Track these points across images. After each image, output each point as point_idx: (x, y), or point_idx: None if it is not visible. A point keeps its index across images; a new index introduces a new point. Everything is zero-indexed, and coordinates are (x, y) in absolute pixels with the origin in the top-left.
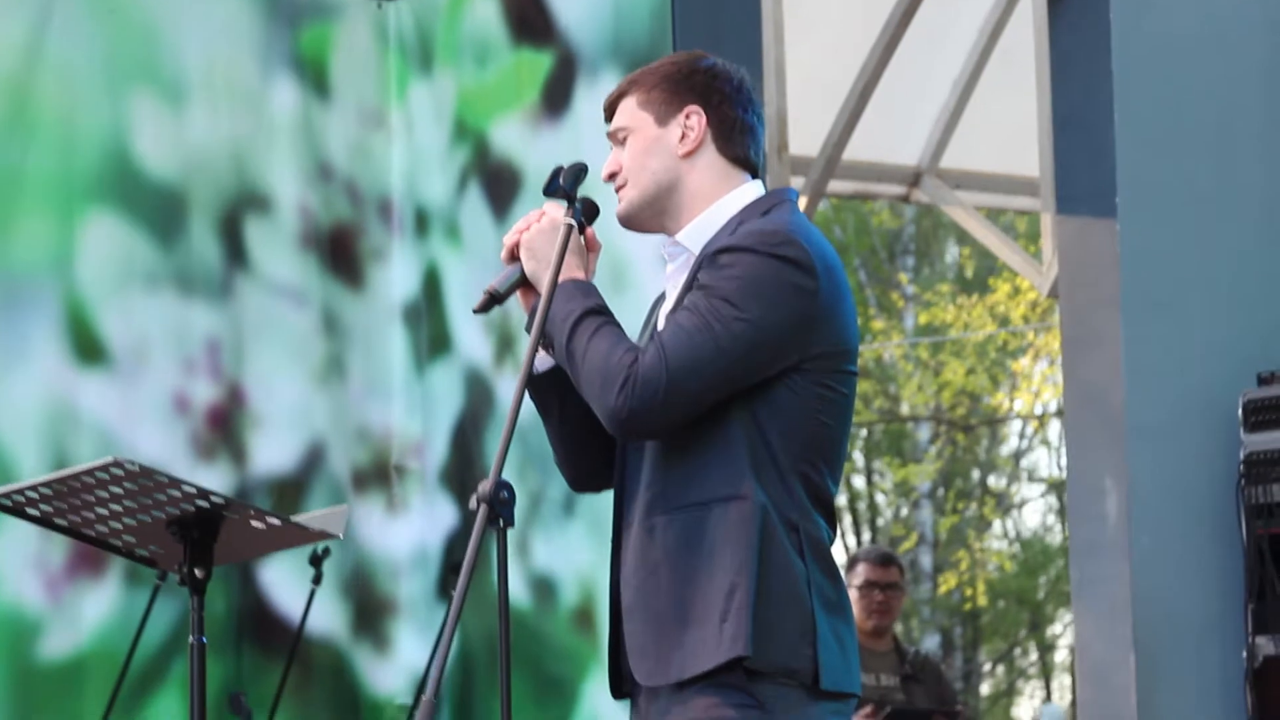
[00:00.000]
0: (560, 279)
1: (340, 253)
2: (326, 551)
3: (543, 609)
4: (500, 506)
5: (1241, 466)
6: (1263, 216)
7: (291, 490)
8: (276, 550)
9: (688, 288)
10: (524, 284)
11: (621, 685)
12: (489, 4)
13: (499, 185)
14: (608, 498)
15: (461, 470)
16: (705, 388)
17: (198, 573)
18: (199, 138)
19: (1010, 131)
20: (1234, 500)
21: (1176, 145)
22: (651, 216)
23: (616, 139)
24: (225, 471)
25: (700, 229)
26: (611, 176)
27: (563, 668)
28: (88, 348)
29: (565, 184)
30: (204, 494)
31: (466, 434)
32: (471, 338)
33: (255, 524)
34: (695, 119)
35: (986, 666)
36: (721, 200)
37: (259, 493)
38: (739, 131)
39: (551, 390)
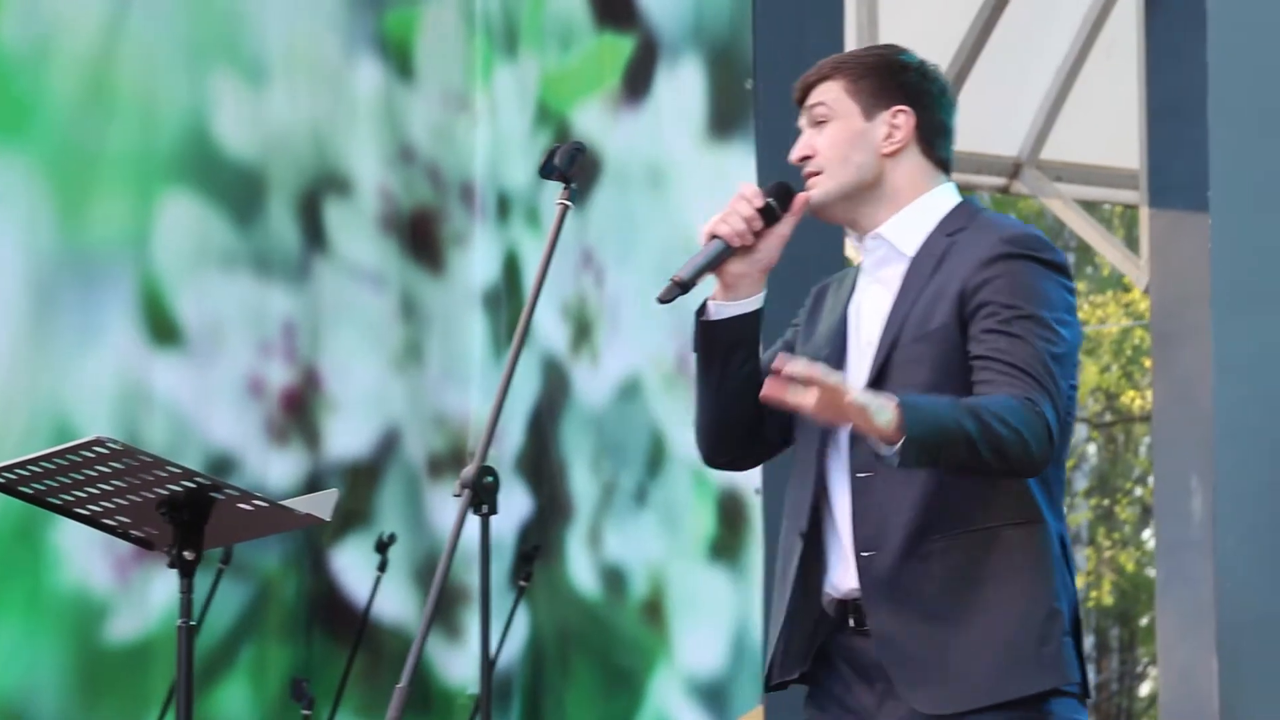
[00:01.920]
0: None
1: (420, 237)
2: (393, 538)
3: (613, 600)
4: (484, 492)
5: None
6: None
7: (365, 476)
8: (268, 534)
9: (936, 296)
10: (712, 268)
11: (773, 679)
12: None
13: (580, 170)
14: (681, 490)
15: (536, 458)
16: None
17: (187, 555)
18: (279, 118)
19: (1114, 122)
20: None
21: (1271, 139)
22: (846, 209)
23: (814, 118)
24: (299, 456)
25: (907, 226)
26: (804, 159)
27: (631, 659)
28: (163, 328)
29: (561, 164)
30: (189, 474)
31: (542, 422)
32: (549, 325)
33: (243, 506)
34: (903, 118)
35: (1141, 667)
36: (923, 198)
37: (332, 477)
38: (941, 135)
39: (720, 343)
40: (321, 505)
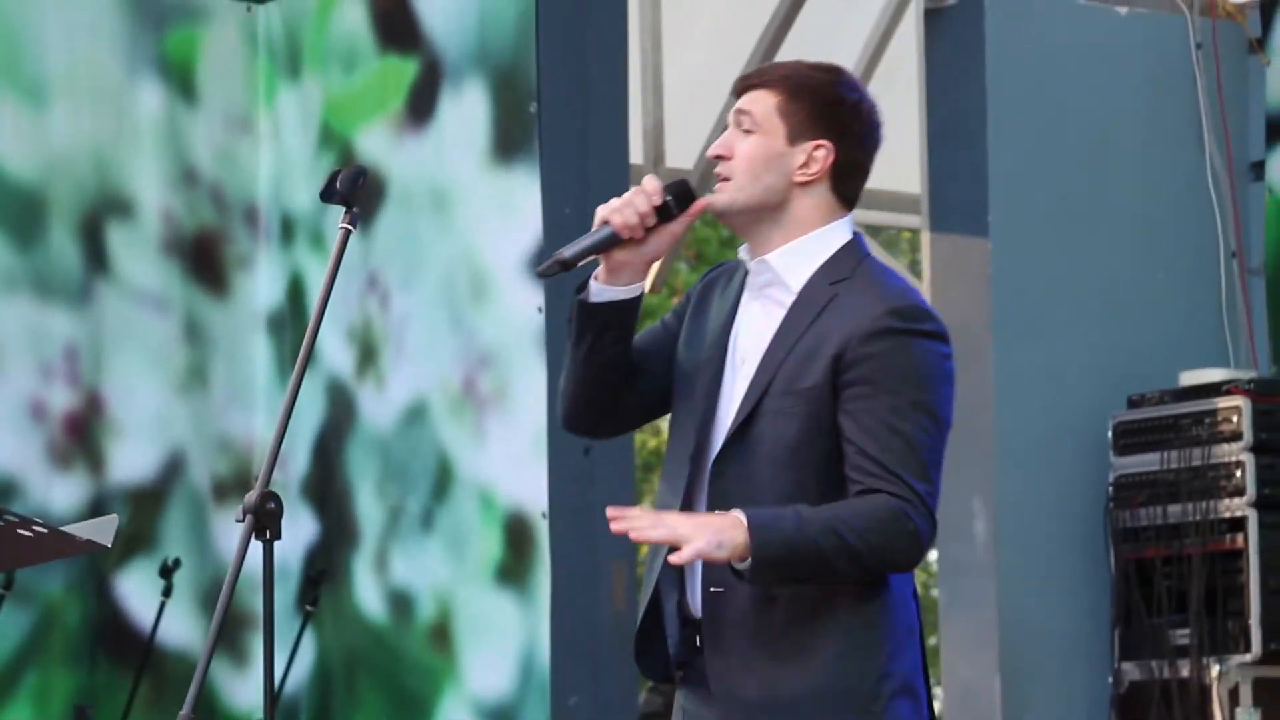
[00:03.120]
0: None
1: (204, 259)
2: (177, 563)
3: (400, 624)
4: (267, 518)
5: (1110, 490)
6: (1136, 238)
7: (150, 500)
8: (49, 560)
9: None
10: (597, 251)
11: (653, 669)
12: (357, 10)
13: (362, 194)
14: (468, 514)
15: (322, 482)
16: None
17: None
18: (60, 139)
19: (896, 147)
20: (1103, 523)
21: (1050, 163)
22: (746, 223)
23: (740, 124)
24: (82, 480)
25: (794, 260)
26: (719, 158)
27: (419, 683)
28: None
29: (343, 189)
30: None
31: (328, 445)
32: (334, 349)
33: (22, 532)
34: (823, 153)
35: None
36: (818, 232)
37: (116, 501)
38: (855, 174)
39: (593, 323)
40: (103, 531)
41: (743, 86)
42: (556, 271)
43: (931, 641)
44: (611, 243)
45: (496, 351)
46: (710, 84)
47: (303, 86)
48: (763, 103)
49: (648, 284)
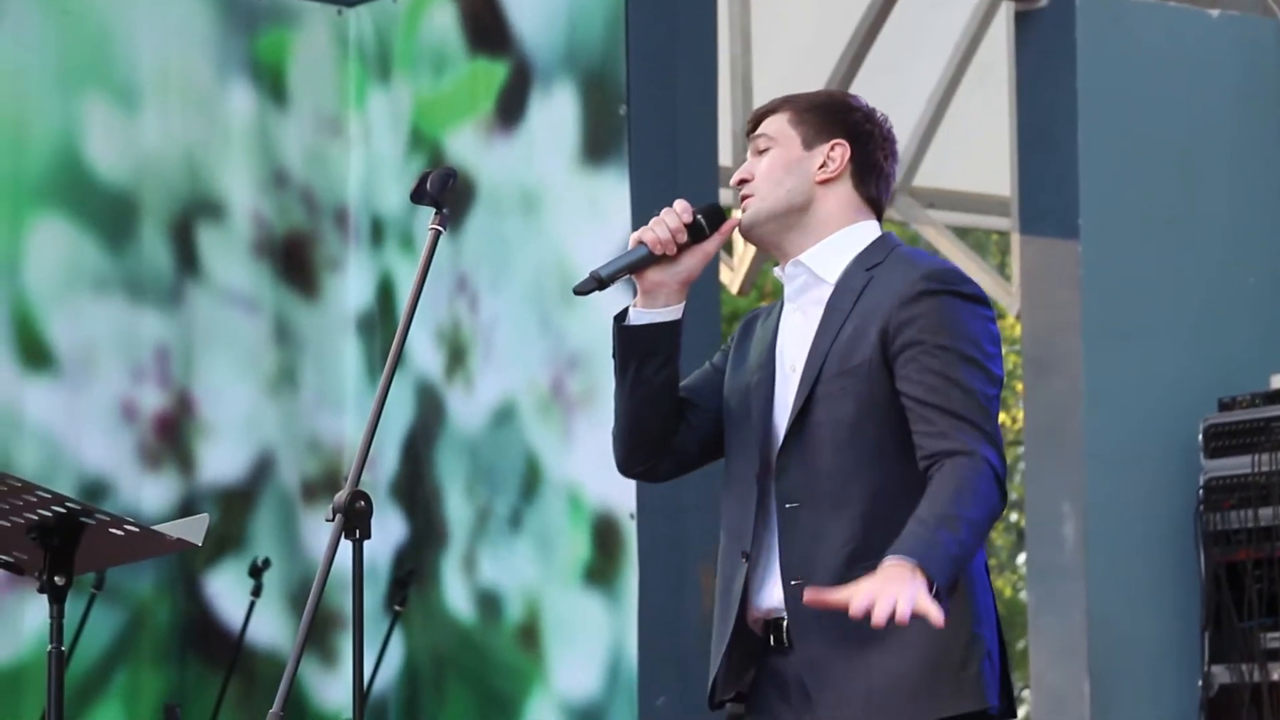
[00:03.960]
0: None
1: (294, 261)
2: (267, 563)
3: (488, 625)
4: (356, 517)
5: (1200, 493)
6: (1226, 241)
7: (239, 500)
8: (139, 559)
9: (842, 326)
10: (632, 270)
11: (716, 696)
12: (447, 13)
13: (452, 195)
14: (556, 515)
15: (411, 483)
16: None
17: (58, 580)
18: (151, 142)
19: (986, 149)
20: (1192, 526)
21: (1141, 167)
22: (774, 231)
23: (757, 148)
24: (172, 481)
25: (827, 255)
26: (742, 183)
27: (506, 684)
28: (34, 353)
29: (433, 190)
30: (59, 499)
31: (417, 446)
32: (423, 350)
33: (114, 531)
34: (840, 150)
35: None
36: (847, 230)
37: (206, 502)
38: (876, 175)
39: (634, 349)
40: (193, 530)
41: (753, 122)
42: (592, 289)
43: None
44: (645, 261)
45: (585, 353)
46: (799, 86)
47: (393, 89)
48: (774, 124)
49: (735, 285)
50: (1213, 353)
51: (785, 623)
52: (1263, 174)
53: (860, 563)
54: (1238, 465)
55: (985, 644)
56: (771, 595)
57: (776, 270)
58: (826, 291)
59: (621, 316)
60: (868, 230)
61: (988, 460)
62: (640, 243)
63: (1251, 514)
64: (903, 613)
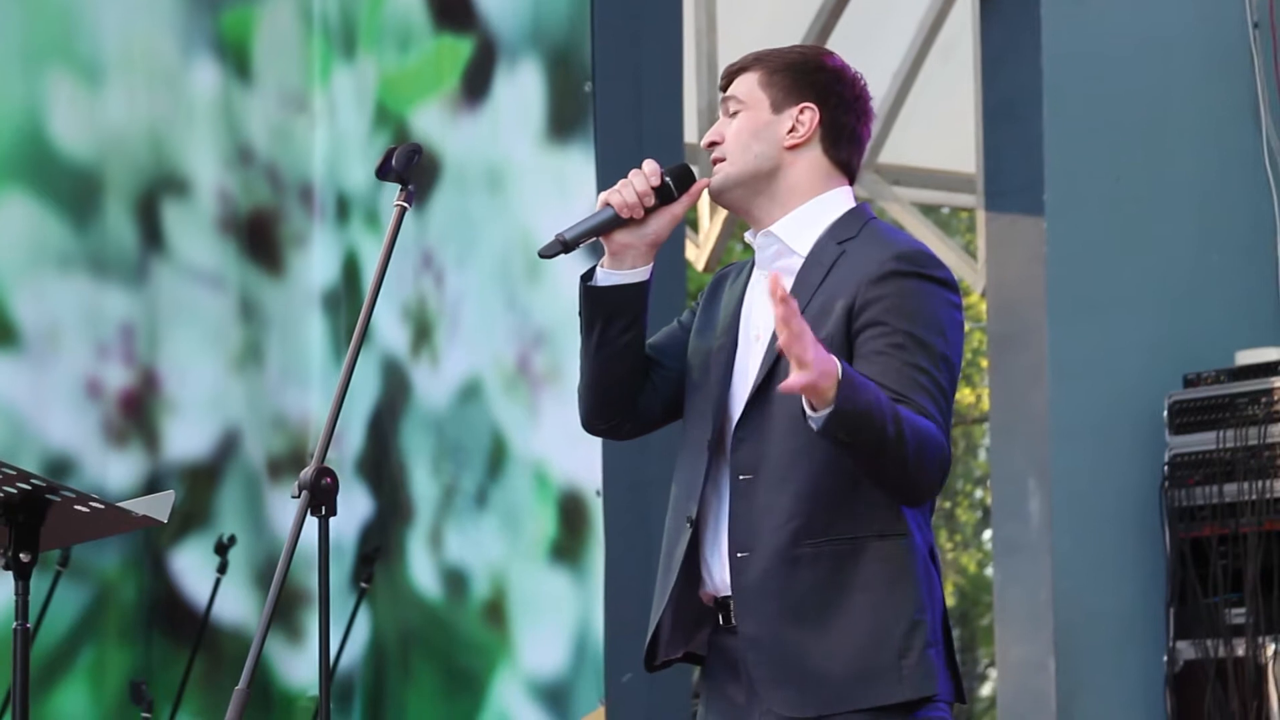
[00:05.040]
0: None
1: (259, 238)
2: (233, 540)
3: (454, 602)
4: (322, 494)
5: (1165, 469)
6: (1192, 216)
7: (205, 477)
8: (105, 535)
9: (830, 306)
10: (598, 233)
11: (656, 658)
12: None
13: (417, 172)
14: (522, 492)
15: (377, 460)
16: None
17: (23, 557)
18: (116, 119)
19: (951, 126)
20: (1158, 502)
21: (1107, 142)
22: (743, 196)
23: (727, 109)
24: (137, 458)
25: (799, 226)
26: (712, 145)
27: (473, 661)
28: None
29: (397, 166)
30: (24, 475)
31: (383, 423)
32: (389, 327)
33: (79, 508)
34: (809, 114)
35: (981, 668)
36: (819, 199)
37: (171, 480)
38: (847, 138)
39: (600, 309)
40: (159, 507)
41: (724, 83)
42: (557, 252)
43: (986, 621)
44: (612, 224)
45: (551, 330)
46: None
47: (358, 65)
48: (744, 84)
49: (700, 262)
50: (1178, 329)
51: (730, 602)
52: (1230, 149)
53: (805, 539)
54: (1203, 441)
55: (927, 631)
56: (723, 571)
57: (748, 235)
58: (797, 262)
59: (588, 275)
60: (840, 199)
61: (943, 444)
62: (607, 204)
63: (1216, 490)
64: (789, 381)
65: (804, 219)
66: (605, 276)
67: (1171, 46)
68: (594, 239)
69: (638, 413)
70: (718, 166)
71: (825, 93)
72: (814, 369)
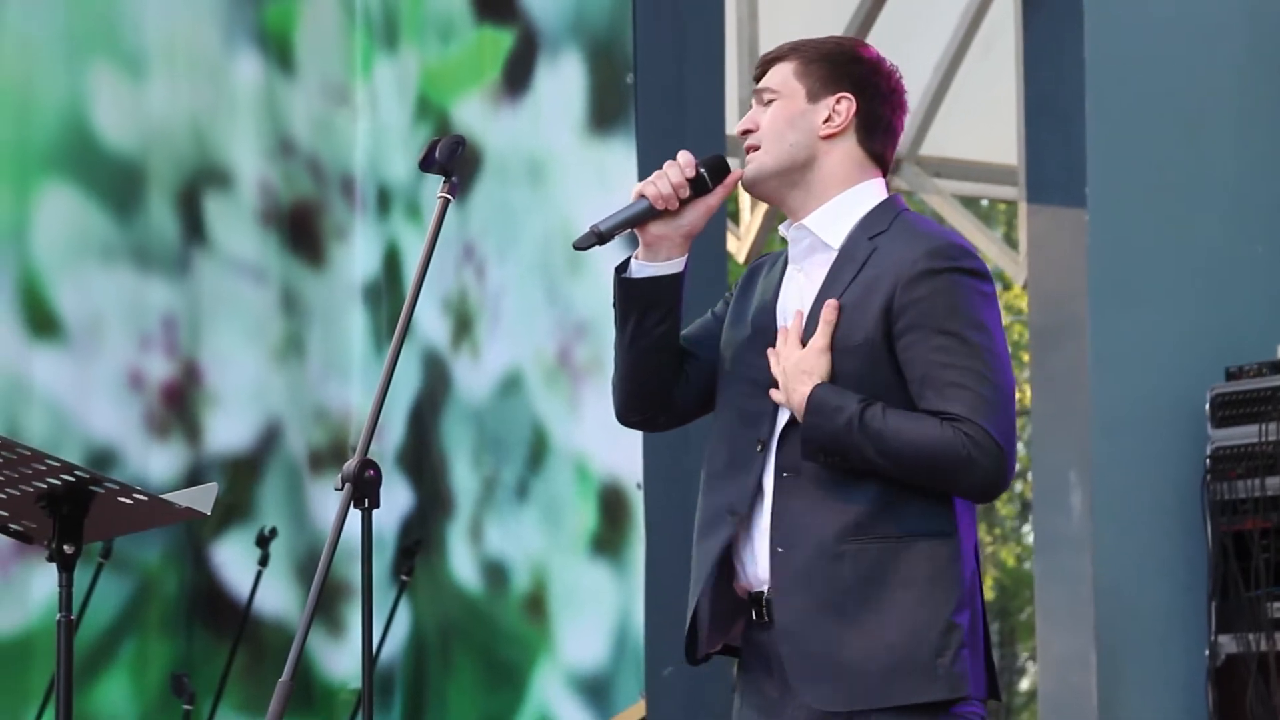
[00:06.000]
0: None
1: (301, 230)
2: (274, 532)
3: (494, 594)
4: (365, 486)
5: (1208, 462)
6: (1233, 209)
7: (246, 470)
8: (148, 527)
9: (863, 298)
10: (633, 225)
11: (697, 651)
12: None
13: (460, 164)
14: (563, 485)
15: (417, 452)
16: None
17: (67, 549)
18: (159, 110)
19: (992, 118)
20: (1199, 496)
21: (1148, 135)
22: (778, 187)
23: (762, 99)
24: (179, 450)
25: (831, 219)
26: (747, 133)
27: (513, 654)
28: (41, 321)
29: (441, 158)
30: (68, 467)
31: (423, 416)
32: (430, 319)
33: (123, 500)
34: (845, 104)
35: (1020, 662)
36: (851, 190)
37: (213, 471)
38: (882, 129)
39: (635, 301)
40: (201, 499)
41: (760, 68)
42: (592, 244)
43: (1024, 615)
44: (646, 215)
45: (592, 322)
46: None
47: (400, 57)
48: (780, 73)
49: (742, 254)
50: (1220, 322)
51: (766, 596)
52: (1270, 143)
53: (849, 537)
54: (1245, 435)
55: (963, 632)
56: (759, 566)
57: (782, 228)
58: (831, 256)
59: (623, 267)
60: (873, 191)
61: (965, 445)
62: (641, 196)
63: (1259, 483)
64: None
65: (837, 211)
66: (640, 268)
67: (1214, 40)
68: (628, 230)
69: (672, 404)
70: (751, 156)
71: (862, 83)
72: (790, 401)
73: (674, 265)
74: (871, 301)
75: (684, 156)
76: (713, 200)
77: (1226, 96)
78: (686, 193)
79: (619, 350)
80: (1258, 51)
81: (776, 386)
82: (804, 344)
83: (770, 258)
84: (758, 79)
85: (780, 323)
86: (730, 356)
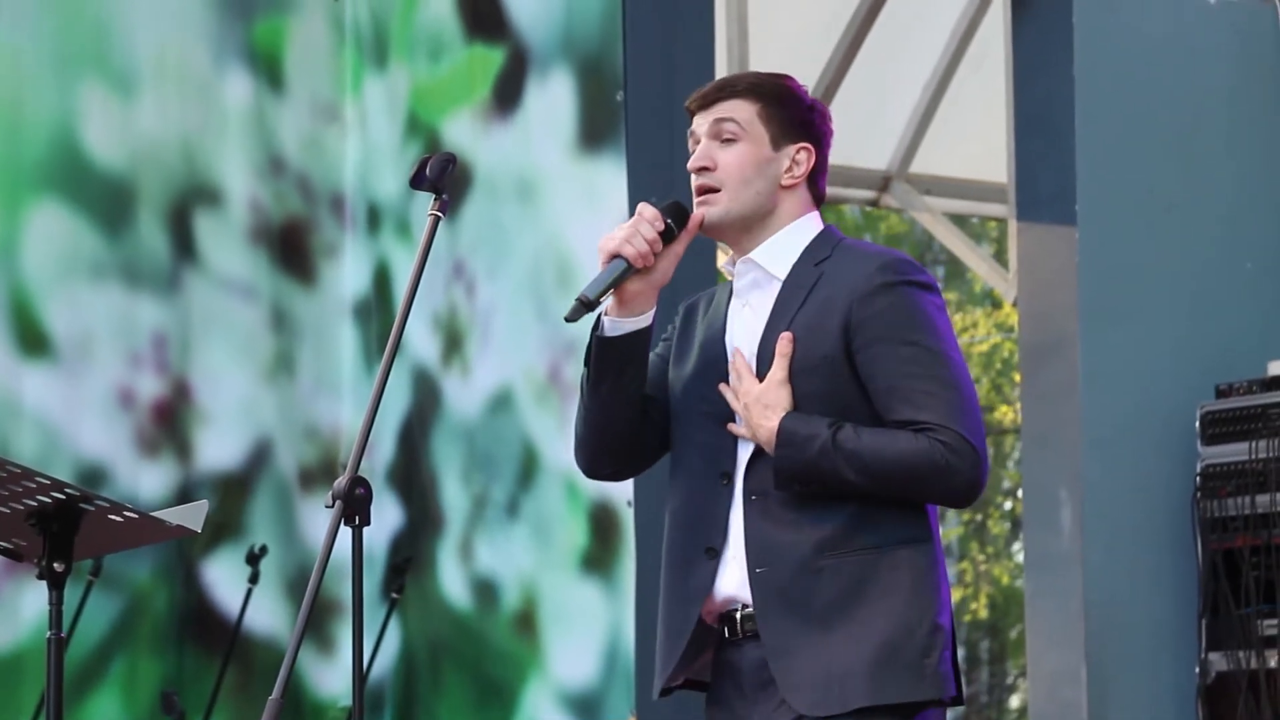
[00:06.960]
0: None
1: (291, 248)
2: (264, 550)
3: (484, 612)
4: (356, 504)
5: (1198, 479)
6: (1224, 226)
7: (236, 487)
8: (138, 545)
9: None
10: (615, 286)
11: (669, 684)
12: None
13: (451, 181)
14: (553, 503)
15: (408, 470)
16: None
17: (57, 567)
18: (149, 129)
19: (983, 136)
20: (1189, 513)
21: (1138, 153)
22: (738, 231)
23: (720, 134)
24: (170, 468)
25: (776, 251)
26: (702, 169)
27: (503, 672)
28: (31, 339)
29: (432, 175)
30: (58, 485)
31: (413, 434)
32: (420, 337)
33: (113, 517)
34: (805, 155)
35: (1010, 679)
36: (794, 225)
37: (203, 489)
38: (824, 172)
39: (614, 359)
40: (192, 517)
41: (711, 99)
42: (582, 314)
43: (1015, 633)
44: (626, 275)
45: (582, 341)
46: (796, 74)
47: (389, 75)
48: (741, 111)
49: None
50: (1210, 339)
51: (740, 614)
52: (1260, 160)
53: (827, 551)
54: (1235, 452)
55: (946, 634)
56: (730, 587)
57: (724, 264)
58: (776, 287)
59: (596, 326)
60: (812, 223)
61: (941, 452)
62: (616, 256)
63: (1249, 501)
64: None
65: (781, 244)
66: (615, 325)
67: (1203, 57)
68: (611, 291)
69: (643, 449)
70: (711, 196)
71: (817, 133)
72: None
73: (647, 318)
74: (827, 320)
75: (649, 211)
76: (679, 248)
77: (1216, 114)
78: (660, 246)
79: (591, 408)
80: (1247, 69)
81: (733, 419)
82: (760, 378)
83: (704, 296)
84: (706, 103)
85: (730, 355)
86: (681, 392)
